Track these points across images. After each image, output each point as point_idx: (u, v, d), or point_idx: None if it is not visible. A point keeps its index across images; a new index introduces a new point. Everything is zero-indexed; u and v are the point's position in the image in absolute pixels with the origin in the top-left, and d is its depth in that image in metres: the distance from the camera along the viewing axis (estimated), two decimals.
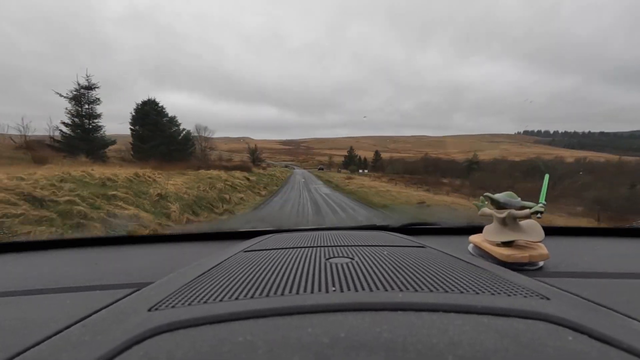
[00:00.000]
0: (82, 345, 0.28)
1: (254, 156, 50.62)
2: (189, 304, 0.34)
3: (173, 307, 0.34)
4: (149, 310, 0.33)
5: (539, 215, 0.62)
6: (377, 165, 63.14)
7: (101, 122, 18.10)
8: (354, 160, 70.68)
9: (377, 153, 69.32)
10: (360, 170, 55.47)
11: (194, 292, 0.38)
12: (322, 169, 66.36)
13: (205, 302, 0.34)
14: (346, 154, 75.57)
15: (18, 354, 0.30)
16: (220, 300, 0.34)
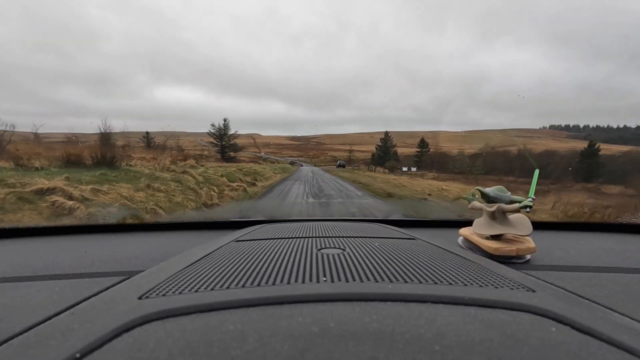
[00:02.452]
0: (70, 332, 0.28)
1: (224, 141, 30.07)
2: (180, 293, 0.34)
3: (164, 295, 0.34)
4: (139, 298, 0.34)
5: (527, 209, 0.65)
6: (424, 162, 42.42)
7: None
8: (390, 154, 50.78)
9: (422, 143, 47.89)
10: (405, 168, 39.82)
11: (184, 280, 0.38)
12: (343, 166, 49.94)
13: (196, 291, 0.34)
14: (379, 143, 52.04)
15: (5, 341, 0.30)
16: (212, 289, 0.35)
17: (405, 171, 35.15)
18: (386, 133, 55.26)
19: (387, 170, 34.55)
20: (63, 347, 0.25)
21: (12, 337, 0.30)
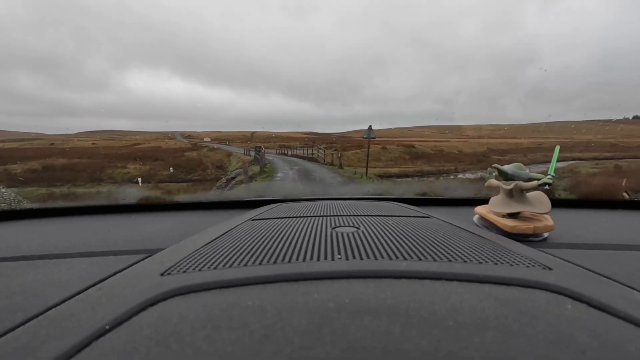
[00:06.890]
0: (99, 306, 0.31)
1: None
2: (200, 270, 0.37)
3: (184, 272, 0.37)
4: (162, 274, 0.36)
5: (546, 186, 0.67)
6: None
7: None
8: None
9: None
10: None
11: (204, 258, 0.41)
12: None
13: (215, 268, 0.37)
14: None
15: (40, 314, 0.33)
16: (230, 267, 0.37)
17: None
18: None
19: None
20: (94, 320, 0.27)
21: (45, 310, 0.34)
